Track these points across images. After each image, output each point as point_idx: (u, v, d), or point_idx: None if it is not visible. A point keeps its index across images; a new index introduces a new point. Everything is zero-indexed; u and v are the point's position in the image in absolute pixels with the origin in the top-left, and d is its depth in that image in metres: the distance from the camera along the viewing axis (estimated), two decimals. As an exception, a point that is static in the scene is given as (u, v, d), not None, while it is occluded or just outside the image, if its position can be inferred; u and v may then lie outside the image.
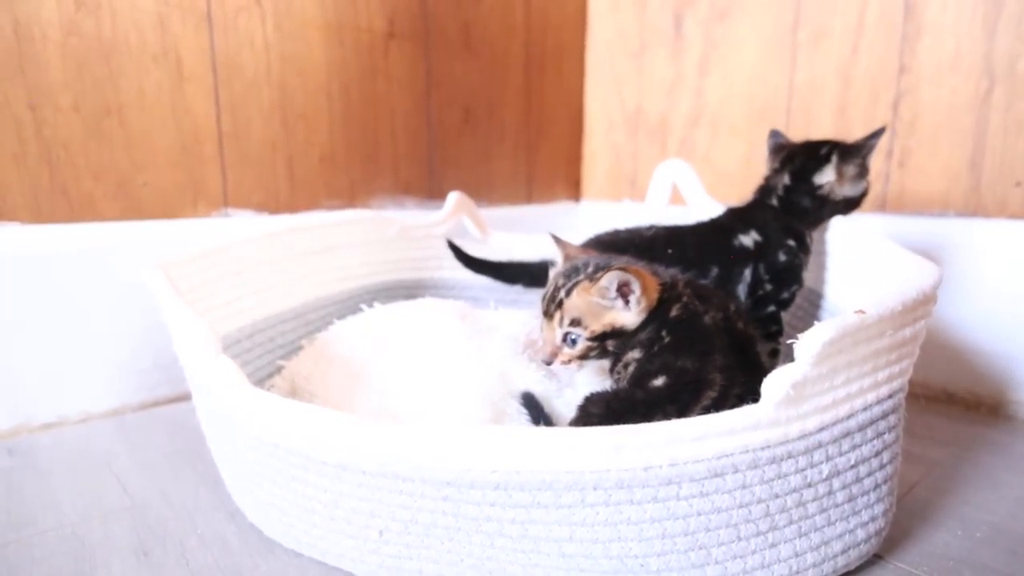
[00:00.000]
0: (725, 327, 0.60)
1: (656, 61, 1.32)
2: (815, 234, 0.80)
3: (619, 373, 0.62)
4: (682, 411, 0.53)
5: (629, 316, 0.59)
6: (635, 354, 0.60)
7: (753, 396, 0.54)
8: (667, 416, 0.47)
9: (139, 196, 0.88)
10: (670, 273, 0.63)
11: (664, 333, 0.59)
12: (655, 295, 0.59)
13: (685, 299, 0.60)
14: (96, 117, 0.83)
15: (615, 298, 0.58)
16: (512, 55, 1.29)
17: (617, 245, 0.77)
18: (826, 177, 0.76)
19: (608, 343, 0.59)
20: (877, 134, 0.75)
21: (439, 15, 1.15)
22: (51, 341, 0.81)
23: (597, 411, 0.55)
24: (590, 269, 0.61)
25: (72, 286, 0.82)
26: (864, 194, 0.78)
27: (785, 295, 0.76)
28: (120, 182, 0.86)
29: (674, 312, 0.60)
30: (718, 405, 0.54)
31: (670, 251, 0.74)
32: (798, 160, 0.78)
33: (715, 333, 0.59)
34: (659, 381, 0.55)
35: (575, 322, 0.59)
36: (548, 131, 1.40)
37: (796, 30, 1.10)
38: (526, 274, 0.92)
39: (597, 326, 0.59)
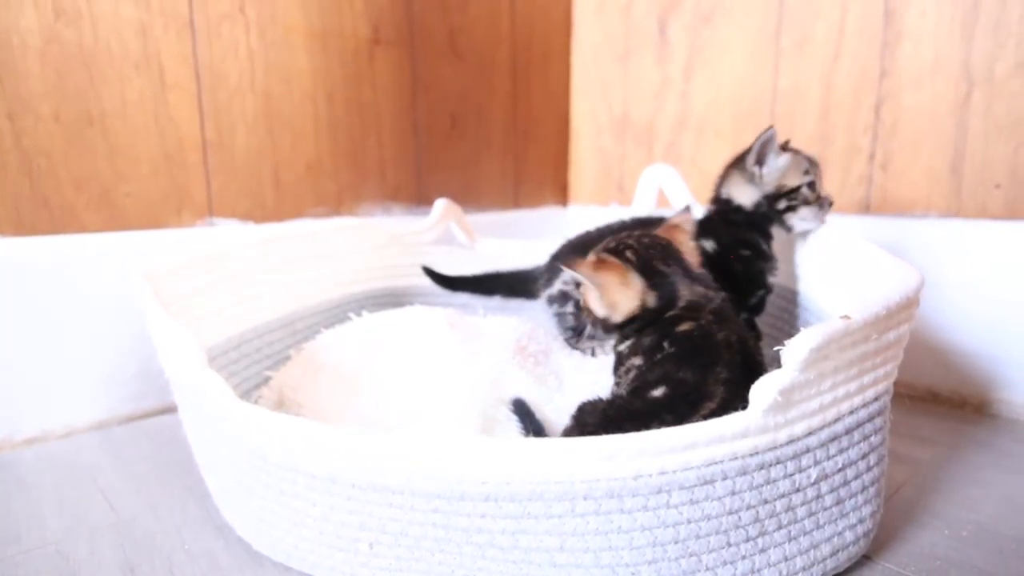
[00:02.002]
0: (740, 348, 0.59)
1: (642, 65, 1.32)
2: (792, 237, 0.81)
3: (620, 378, 0.62)
4: (680, 421, 0.53)
5: (596, 303, 0.62)
6: (637, 360, 0.60)
7: None
8: (664, 425, 0.47)
9: (122, 206, 0.87)
10: (700, 291, 0.62)
11: (667, 344, 0.58)
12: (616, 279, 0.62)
13: (703, 321, 0.59)
14: (77, 126, 0.82)
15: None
16: (498, 60, 1.29)
17: (588, 244, 0.79)
18: (725, 189, 0.79)
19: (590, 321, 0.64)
20: (760, 135, 0.76)
21: (425, 21, 1.15)
22: (34, 354, 0.80)
23: (592, 420, 0.55)
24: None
25: (55, 298, 0.81)
26: (780, 195, 0.77)
27: (753, 300, 0.78)
28: (103, 192, 0.85)
29: (683, 327, 0.59)
30: (718, 415, 0.54)
31: None
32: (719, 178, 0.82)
33: (724, 348, 0.57)
34: (658, 391, 0.55)
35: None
36: (535, 136, 1.40)
37: (779, 35, 1.11)
38: (502, 285, 0.92)
39: (583, 302, 0.66)
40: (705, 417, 0.53)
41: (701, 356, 0.57)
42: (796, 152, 0.78)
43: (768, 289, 0.78)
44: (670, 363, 0.57)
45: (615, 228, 0.81)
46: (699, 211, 0.83)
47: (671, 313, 0.60)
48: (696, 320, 0.59)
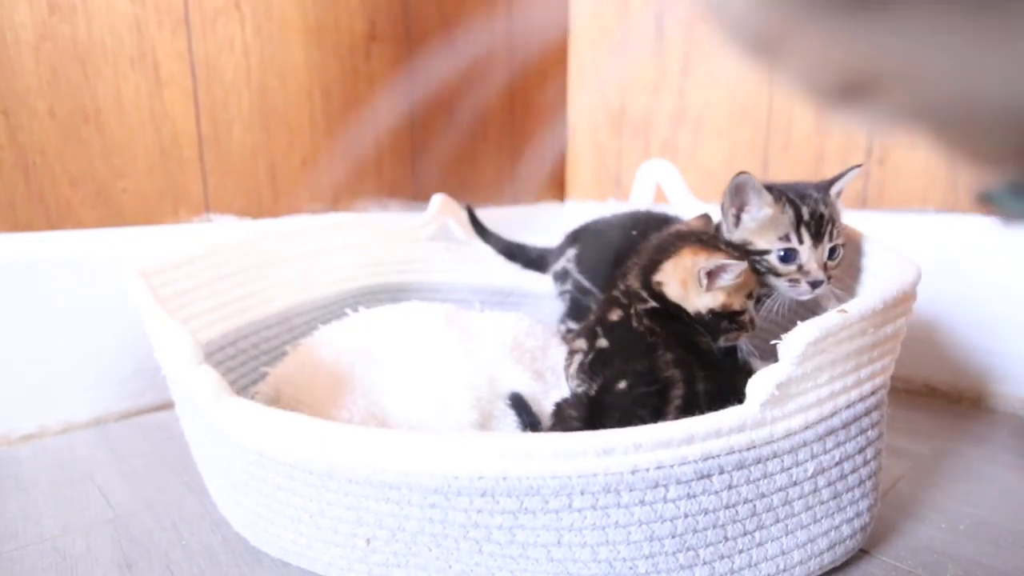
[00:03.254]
0: (673, 332, 0.60)
1: (639, 61, 1.32)
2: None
3: (567, 360, 0.64)
4: (656, 415, 0.54)
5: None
6: (581, 343, 0.62)
7: (720, 390, 0.54)
8: (643, 421, 0.48)
9: (119, 202, 0.87)
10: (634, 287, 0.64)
11: (599, 330, 0.61)
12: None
13: (631, 311, 0.62)
14: (73, 122, 0.82)
15: None
16: (495, 56, 1.29)
17: (604, 229, 0.82)
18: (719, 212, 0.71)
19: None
20: (732, 180, 0.65)
21: (421, 17, 1.15)
22: (30, 351, 0.80)
23: (576, 414, 0.55)
24: None
25: (51, 295, 0.81)
26: (745, 250, 0.65)
27: None
28: (99, 188, 0.85)
29: (612, 316, 0.62)
30: (688, 401, 0.54)
31: (634, 232, 0.76)
32: None
33: (649, 334, 0.59)
34: (622, 385, 0.56)
35: None
36: (532, 132, 1.40)
37: (776, 29, 1.11)
38: (524, 256, 0.94)
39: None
40: (679, 407, 0.54)
41: (637, 343, 0.58)
42: (791, 208, 0.62)
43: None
44: (616, 358, 0.58)
45: (628, 217, 0.82)
46: (692, 206, 0.83)
47: (614, 292, 0.64)
48: (626, 311, 0.62)
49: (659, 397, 0.54)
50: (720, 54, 1.19)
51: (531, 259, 0.94)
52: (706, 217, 0.70)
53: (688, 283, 0.60)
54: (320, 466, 0.47)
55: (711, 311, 0.60)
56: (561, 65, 1.43)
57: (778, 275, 0.63)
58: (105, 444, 0.79)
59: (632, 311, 0.61)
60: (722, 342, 0.62)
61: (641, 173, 1.03)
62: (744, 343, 0.63)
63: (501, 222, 1.29)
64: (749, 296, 0.62)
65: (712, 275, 0.59)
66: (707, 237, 0.64)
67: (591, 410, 0.56)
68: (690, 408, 0.53)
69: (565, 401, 0.59)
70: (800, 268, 0.62)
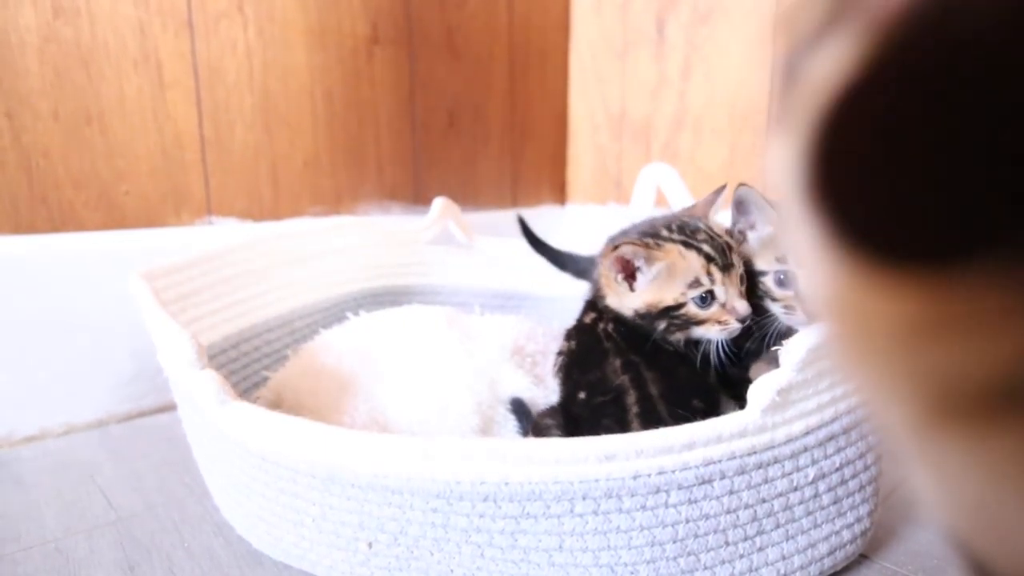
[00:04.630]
0: (622, 334, 0.59)
1: (639, 64, 1.32)
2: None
3: (555, 359, 0.64)
4: (620, 423, 0.54)
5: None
6: (563, 345, 0.63)
7: (675, 391, 0.54)
8: (609, 431, 0.47)
9: (121, 204, 0.87)
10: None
11: (573, 332, 0.61)
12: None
13: (601, 315, 0.62)
14: (76, 124, 0.82)
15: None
16: (496, 58, 1.29)
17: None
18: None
19: None
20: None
21: (423, 19, 1.15)
22: (32, 352, 0.80)
23: (554, 422, 0.56)
24: None
25: (54, 296, 0.81)
26: (749, 268, 0.60)
27: None
28: (101, 191, 0.85)
29: (586, 318, 0.62)
30: (644, 407, 0.54)
31: None
32: None
33: (605, 339, 0.59)
34: (581, 395, 0.56)
35: None
36: (533, 134, 1.40)
37: (776, 34, 1.11)
38: (573, 264, 0.94)
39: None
40: (637, 415, 0.54)
41: (593, 352, 0.58)
42: None
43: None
44: (575, 368, 0.59)
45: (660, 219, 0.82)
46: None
47: (592, 296, 0.63)
48: (599, 314, 0.61)
49: (616, 405, 0.54)
50: (720, 57, 1.20)
51: (580, 269, 0.93)
52: (715, 194, 0.62)
53: (615, 289, 0.57)
54: (323, 470, 0.47)
55: (636, 313, 0.55)
56: (562, 67, 1.44)
57: (774, 299, 0.58)
58: (107, 446, 0.79)
59: (603, 315, 0.61)
60: (678, 337, 0.56)
61: (642, 177, 1.03)
62: (718, 340, 0.55)
63: (501, 225, 1.29)
64: (694, 284, 0.54)
65: (626, 271, 0.55)
66: (651, 230, 0.57)
67: (566, 419, 0.56)
68: (648, 413, 0.53)
69: (540, 414, 0.60)
70: (798, 294, 0.56)
